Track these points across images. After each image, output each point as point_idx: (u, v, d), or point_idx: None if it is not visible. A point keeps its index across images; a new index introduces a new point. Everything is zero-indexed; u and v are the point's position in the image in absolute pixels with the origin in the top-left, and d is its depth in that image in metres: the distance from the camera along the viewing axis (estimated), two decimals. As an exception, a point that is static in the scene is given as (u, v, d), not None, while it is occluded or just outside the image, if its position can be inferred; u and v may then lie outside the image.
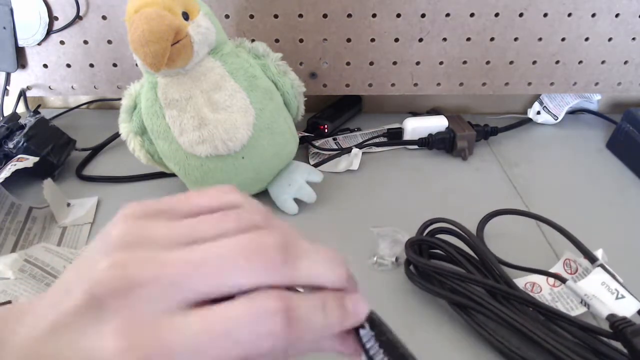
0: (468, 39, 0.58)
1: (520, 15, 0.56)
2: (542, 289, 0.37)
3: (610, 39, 0.58)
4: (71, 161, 0.56)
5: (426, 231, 0.40)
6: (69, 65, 0.60)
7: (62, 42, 0.59)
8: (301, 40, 0.58)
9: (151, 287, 0.16)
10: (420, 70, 0.60)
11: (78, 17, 0.57)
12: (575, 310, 0.35)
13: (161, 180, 0.53)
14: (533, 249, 0.43)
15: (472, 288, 0.34)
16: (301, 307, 0.17)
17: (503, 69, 0.61)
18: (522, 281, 0.38)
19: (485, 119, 0.63)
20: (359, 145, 0.57)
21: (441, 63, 0.60)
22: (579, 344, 0.31)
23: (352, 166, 0.54)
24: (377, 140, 0.59)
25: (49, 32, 0.58)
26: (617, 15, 0.56)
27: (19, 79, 0.61)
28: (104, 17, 0.57)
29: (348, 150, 0.55)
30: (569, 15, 0.56)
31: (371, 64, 0.60)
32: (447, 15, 0.56)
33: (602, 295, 0.34)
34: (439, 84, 0.62)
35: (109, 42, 0.58)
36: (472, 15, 0.56)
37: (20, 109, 0.62)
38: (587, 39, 0.58)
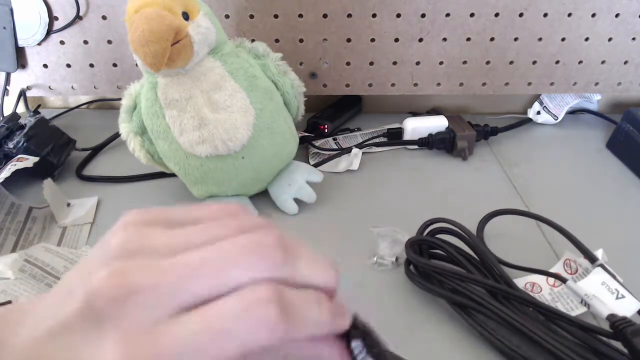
0: (468, 39, 0.58)
1: (520, 15, 0.56)
2: (542, 289, 0.37)
3: (610, 39, 0.58)
4: (71, 161, 0.56)
5: (426, 231, 0.40)
6: (69, 65, 0.60)
7: (62, 42, 0.59)
8: (301, 40, 0.58)
9: (149, 294, 0.16)
10: (420, 70, 0.60)
11: (78, 17, 0.57)
12: (575, 310, 0.35)
13: (161, 180, 0.53)
14: (533, 249, 0.43)
15: (472, 288, 0.34)
16: (295, 298, 0.17)
17: (503, 69, 0.61)
18: (522, 281, 0.38)
19: (485, 119, 0.63)
20: (359, 145, 0.57)
21: (441, 63, 0.60)
22: (579, 343, 0.31)
23: (352, 166, 0.54)
24: (377, 140, 0.59)
25: (49, 32, 0.58)
26: (617, 15, 0.56)
27: (19, 79, 0.61)
28: (104, 17, 0.57)
29: (348, 150, 0.55)
30: (569, 15, 0.57)
31: (371, 64, 0.60)
32: (447, 15, 0.56)
33: (602, 295, 0.34)
34: (439, 84, 0.62)
35: (109, 42, 0.58)
36: (472, 15, 0.56)
37: (20, 109, 0.62)
38: (587, 39, 0.58)
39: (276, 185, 0.48)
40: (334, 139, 0.60)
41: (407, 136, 0.58)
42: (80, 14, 0.56)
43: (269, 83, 0.45)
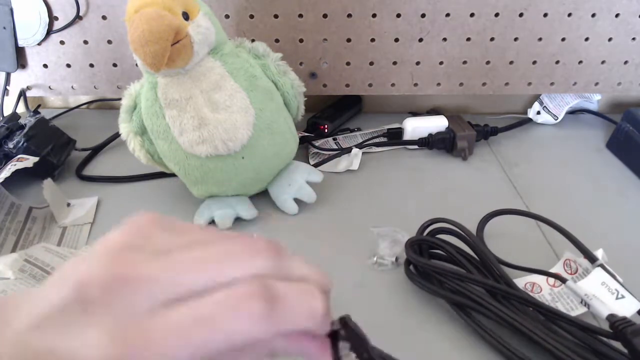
0: (468, 39, 0.58)
1: (520, 15, 0.56)
2: (542, 289, 0.37)
3: (610, 39, 0.58)
4: (71, 161, 0.56)
5: (426, 231, 0.40)
6: (69, 65, 0.60)
7: (62, 42, 0.59)
8: (301, 40, 0.58)
9: (144, 285, 0.16)
10: (420, 70, 0.60)
11: (78, 17, 0.57)
12: (575, 310, 0.35)
13: (161, 180, 0.53)
14: (533, 249, 0.43)
15: (472, 288, 0.34)
16: (287, 290, 0.18)
17: (503, 69, 0.61)
18: (522, 281, 0.38)
19: (485, 119, 0.63)
20: (359, 145, 0.57)
21: (441, 63, 0.60)
22: (579, 344, 0.31)
23: (352, 166, 0.54)
24: (377, 140, 0.59)
25: (49, 32, 0.58)
26: (617, 15, 0.56)
27: (19, 79, 0.61)
28: (104, 17, 0.57)
29: (348, 150, 0.55)
30: (569, 15, 0.57)
31: (371, 64, 0.60)
32: (447, 15, 0.56)
33: (602, 295, 0.34)
34: (439, 84, 0.62)
35: (109, 42, 0.58)
36: (472, 15, 0.56)
37: (20, 109, 0.62)
38: (587, 39, 0.58)
39: (276, 185, 0.48)
40: (334, 139, 0.60)
41: (407, 136, 0.58)
42: (80, 14, 0.56)
43: (269, 83, 0.45)
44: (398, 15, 0.56)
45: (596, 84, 0.62)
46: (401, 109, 0.68)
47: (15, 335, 0.16)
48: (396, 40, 0.58)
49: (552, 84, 0.62)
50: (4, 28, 0.57)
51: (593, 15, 0.56)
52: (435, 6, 0.56)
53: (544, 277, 0.38)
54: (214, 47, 0.41)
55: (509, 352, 0.32)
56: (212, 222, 0.45)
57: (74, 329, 0.15)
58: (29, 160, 0.47)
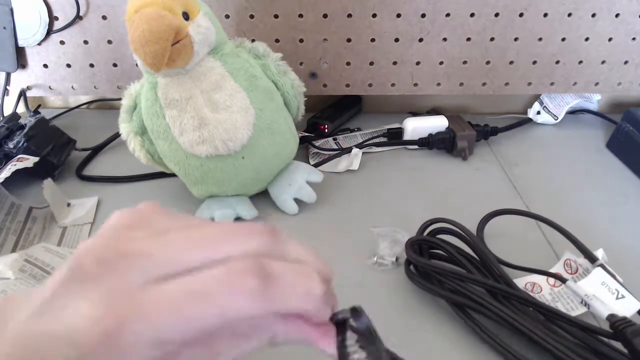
0: (468, 39, 0.58)
1: (520, 15, 0.56)
2: (542, 289, 0.37)
3: (610, 39, 0.58)
4: (71, 161, 0.56)
5: (426, 231, 0.40)
6: (69, 65, 0.60)
7: (62, 42, 0.59)
8: (301, 40, 0.58)
9: (140, 260, 0.16)
10: (420, 70, 0.60)
11: (78, 17, 0.57)
12: (575, 310, 0.35)
13: (161, 180, 0.53)
14: (533, 249, 0.43)
15: (472, 288, 0.34)
16: (283, 270, 0.17)
17: (503, 69, 0.61)
18: (522, 281, 0.38)
19: (485, 119, 0.63)
20: (359, 145, 0.57)
21: (441, 63, 0.60)
22: (579, 344, 0.31)
23: (352, 166, 0.54)
24: (377, 140, 0.59)
25: (49, 32, 0.58)
26: (617, 15, 0.56)
27: (19, 79, 0.61)
28: (104, 17, 0.57)
29: (348, 150, 0.55)
30: (569, 15, 0.57)
31: (371, 64, 0.60)
32: (447, 15, 0.56)
33: (602, 295, 0.34)
34: (439, 84, 0.62)
35: (109, 42, 0.58)
36: (472, 15, 0.56)
37: (20, 109, 0.62)
38: (587, 39, 0.58)
39: (276, 185, 0.48)
40: (334, 139, 0.60)
41: (407, 136, 0.58)
42: (80, 14, 0.56)
43: (269, 83, 0.45)
44: (398, 15, 0.56)
45: (596, 84, 0.62)
46: (401, 109, 0.68)
47: (14, 330, 0.16)
48: (396, 40, 0.58)
49: (552, 84, 0.62)
50: (4, 28, 0.57)
51: (593, 15, 0.56)
52: (435, 6, 0.56)
53: (544, 277, 0.38)
54: (214, 47, 0.41)
55: (508, 353, 0.32)
56: (212, 222, 0.45)
57: (71, 304, 0.16)
58: (29, 160, 0.47)
